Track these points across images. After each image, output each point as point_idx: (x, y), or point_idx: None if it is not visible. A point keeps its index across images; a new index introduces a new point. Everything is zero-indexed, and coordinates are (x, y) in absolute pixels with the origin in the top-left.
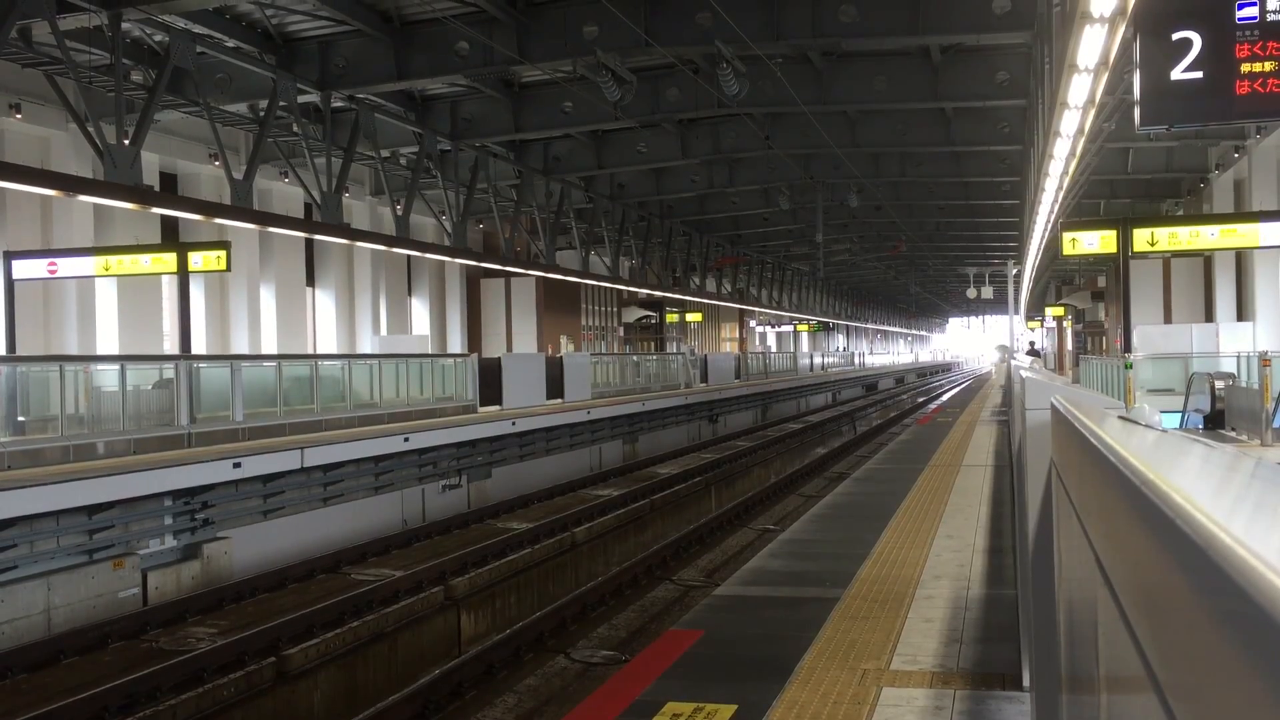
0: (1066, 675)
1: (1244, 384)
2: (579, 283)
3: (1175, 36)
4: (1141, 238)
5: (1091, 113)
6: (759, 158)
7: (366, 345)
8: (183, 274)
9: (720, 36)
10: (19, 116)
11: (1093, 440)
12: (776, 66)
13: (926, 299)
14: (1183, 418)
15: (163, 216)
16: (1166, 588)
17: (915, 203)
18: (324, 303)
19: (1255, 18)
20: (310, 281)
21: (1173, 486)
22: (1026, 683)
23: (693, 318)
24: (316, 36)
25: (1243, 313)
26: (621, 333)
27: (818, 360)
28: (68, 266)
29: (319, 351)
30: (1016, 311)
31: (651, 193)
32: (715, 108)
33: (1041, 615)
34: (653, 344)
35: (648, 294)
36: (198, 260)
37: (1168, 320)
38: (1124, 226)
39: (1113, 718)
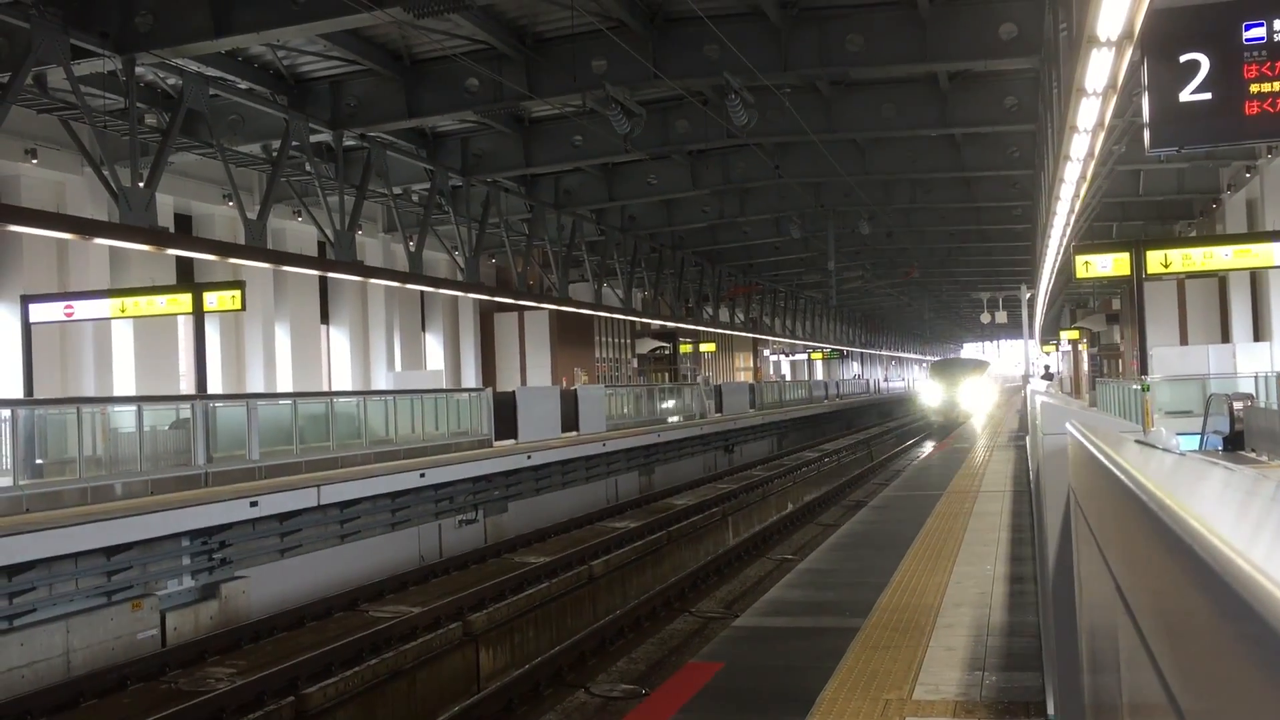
0: (1090, 704)
1: (1263, 404)
2: (592, 315)
3: (1183, 58)
4: (1155, 259)
5: (1101, 136)
6: (769, 187)
7: (381, 381)
8: (198, 314)
9: (728, 68)
10: (35, 161)
11: (1109, 465)
12: (785, 96)
13: (940, 325)
14: (1201, 439)
15: (178, 257)
16: (1186, 615)
17: (927, 228)
18: (339, 340)
19: (1262, 38)
20: (325, 319)
21: (1190, 512)
22: (1051, 711)
23: (706, 348)
24: (328, 76)
25: (1259, 333)
26: (635, 364)
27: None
28: (84, 309)
29: (334, 389)
30: (1031, 335)
31: (663, 224)
32: (725, 138)
33: (1064, 643)
34: (667, 375)
35: (661, 325)
36: (213, 300)
37: (1184, 342)
38: (1137, 249)
39: None
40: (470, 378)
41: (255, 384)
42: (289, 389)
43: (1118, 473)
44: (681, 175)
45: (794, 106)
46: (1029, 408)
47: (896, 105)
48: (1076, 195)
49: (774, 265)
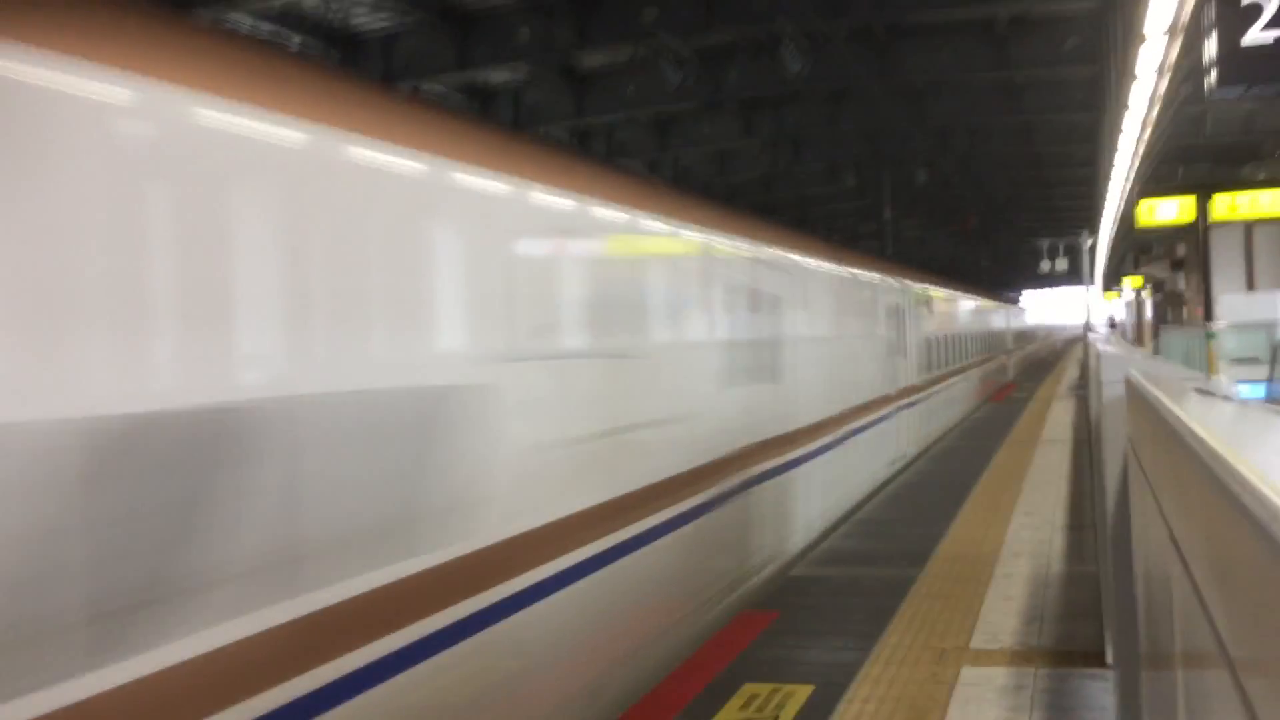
0: (1146, 652)
1: None
2: None
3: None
4: (1222, 204)
5: (1165, 78)
6: (823, 136)
7: None
8: None
9: (782, 14)
10: None
11: (1162, 413)
12: (839, 43)
13: (999, 273)
14: (1269, 388)
15: None
16: (1237, 565)
17: (985, 176)
18: None
19: None
20: None
21: (1244, 461)
22: (1110, 660)
23: None
24: (380, 31)
25: None
26: None
27: None
28: None
29: None
30: (1092, 283)
31: (716, 175)
32: (778, 87)
33: (1122, 592)
34: None
35: None
36: None
37: (1251, 288)
38: (1203, 193)
39: (1189, 695)
40: None
41: None
42: None
43: (1170, 420)
44: (734, 126)
45: (848, 54)
46: (1089, 357)
47: (954, 50)
48: (1139, 139)
49: (828, 216)
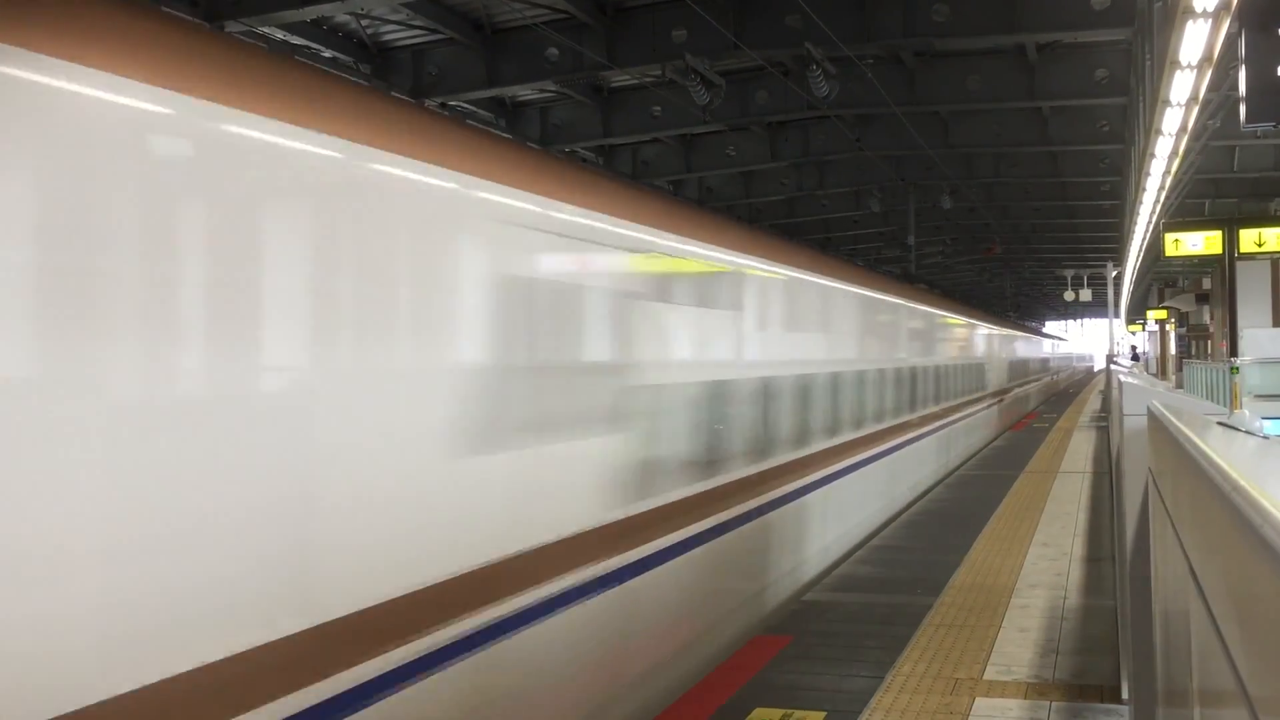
0: (1163, 688)
1: None
2: None
3: None
4: (1248, 238)
5: (1195, 110)
6: (849, 160)
7: None
8: None
9: (810, 38)
10: None
11: (1185, 445)
12: (867, 67)
13: (1022, 302)
14: None
15: None
16: (1258, 600)
17: (1010, 204)
18: None
19: None
20: None
21: (1265, 495)
22: (1126, 695)
23: None
24: (410, 45)
25: None
26: None
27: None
28: None
29: None
30: (1116, 315)
31: (740, 196)
32: (805, 110)
33: (1139, 626)
34: None
35: None
36: None
37: (1277, 323)
38: (1229, 227)
39: None
40: None
41: None
42: None
43: (1192, 453)
44: (760, 147)
45: (876, 78)
46: (1112, 388)
47: (982, 77)
48: (1167, 171)
49: (852, 239)
